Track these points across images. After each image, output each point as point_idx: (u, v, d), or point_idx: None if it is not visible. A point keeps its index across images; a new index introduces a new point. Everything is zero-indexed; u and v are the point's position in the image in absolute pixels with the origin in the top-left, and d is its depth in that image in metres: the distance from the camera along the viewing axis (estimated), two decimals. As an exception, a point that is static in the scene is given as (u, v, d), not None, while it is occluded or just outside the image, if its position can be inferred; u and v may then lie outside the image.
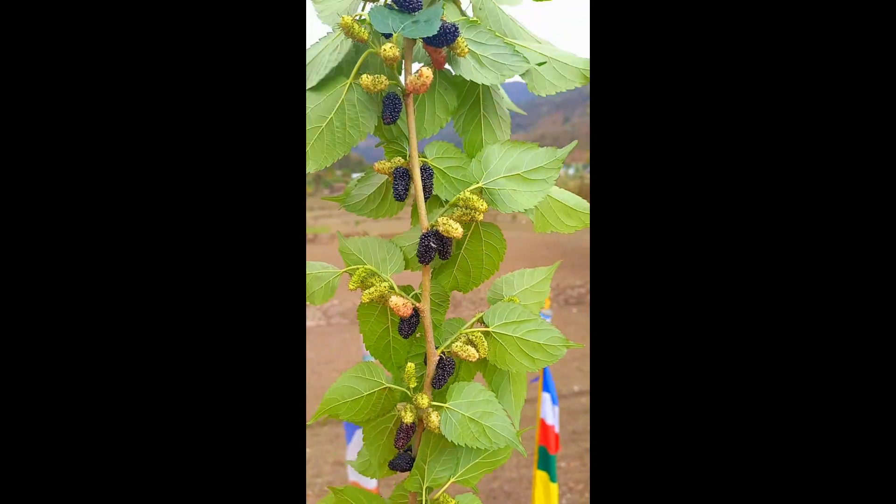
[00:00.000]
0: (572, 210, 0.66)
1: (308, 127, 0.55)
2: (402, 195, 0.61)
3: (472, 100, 0.64)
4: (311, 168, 0.55)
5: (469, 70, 0.58)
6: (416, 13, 0.56)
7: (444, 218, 0.58)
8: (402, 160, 0.61)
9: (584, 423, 4.08)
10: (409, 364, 0.60)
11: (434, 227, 0.59)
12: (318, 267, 0.64)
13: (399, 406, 0.61)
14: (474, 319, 0.64)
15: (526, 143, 0.60)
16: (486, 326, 0.61)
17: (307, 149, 0.55)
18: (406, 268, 0.64)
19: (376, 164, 0.63)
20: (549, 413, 2.33)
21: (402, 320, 0.61)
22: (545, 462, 2.33)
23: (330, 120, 0.56)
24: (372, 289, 0.60)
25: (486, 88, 0.63)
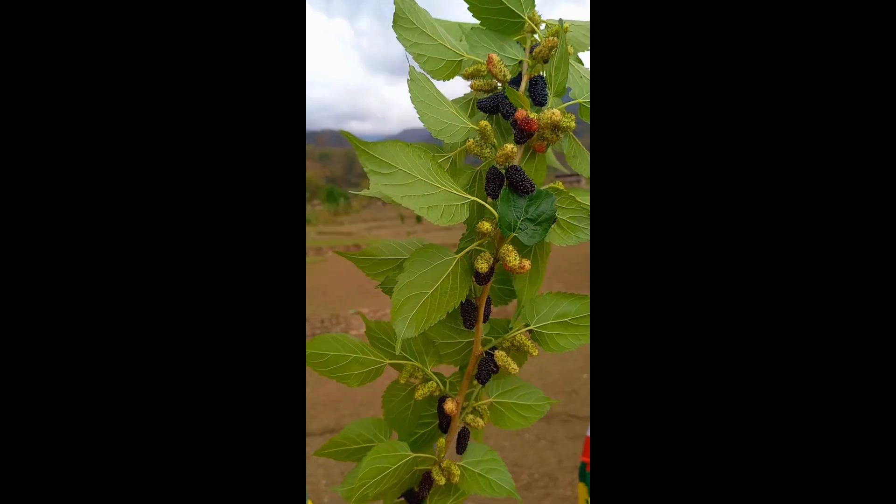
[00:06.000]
0: None
1: (412, 293, 0.61)
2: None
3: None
4: (410, 333, 0.59)
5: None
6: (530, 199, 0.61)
7: (502, 353, 0.69)
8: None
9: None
10: (441, 440, 0.71)
11: (491, 355, 0.68)
12: (356, 347, 0.70)
13: (432, 470, 0.72)
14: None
15: (574, 294, 0.69)
16: (489, 395, 0.75)
17: (413, 314, 0.60)
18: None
19: None
20: None
21: (443, 417, 0.70)
22: (583, 474, 2.33)
23: (435, 289, 0.62)
24: (425, 388, 0.70)
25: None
